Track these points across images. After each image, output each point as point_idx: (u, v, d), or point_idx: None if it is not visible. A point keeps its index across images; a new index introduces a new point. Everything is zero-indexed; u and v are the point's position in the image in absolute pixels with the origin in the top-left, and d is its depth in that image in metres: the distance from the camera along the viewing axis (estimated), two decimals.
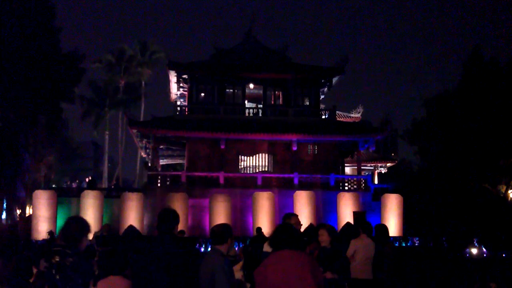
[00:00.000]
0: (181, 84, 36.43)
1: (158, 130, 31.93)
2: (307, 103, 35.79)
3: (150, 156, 36.06)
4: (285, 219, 8.46)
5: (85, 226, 5.60)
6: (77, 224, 5.56)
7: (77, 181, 59.66)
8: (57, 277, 5.11)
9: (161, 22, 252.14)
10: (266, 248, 8.09)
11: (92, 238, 17.33)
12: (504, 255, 19.75)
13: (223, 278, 5.62)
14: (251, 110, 35.27)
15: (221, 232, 6.05)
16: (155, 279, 5.82)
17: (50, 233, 20.81)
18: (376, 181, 44.30)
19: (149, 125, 32.47)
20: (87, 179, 62.56)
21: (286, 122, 33.56)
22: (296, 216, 8.70)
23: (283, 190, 29.98)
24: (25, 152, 36.96)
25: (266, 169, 33.91)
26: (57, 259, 5.19)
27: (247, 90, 35.63)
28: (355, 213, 26.72)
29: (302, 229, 9.76)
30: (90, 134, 65.93)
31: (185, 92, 37.07)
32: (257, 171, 33.31)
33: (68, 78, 38.40)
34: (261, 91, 35.70)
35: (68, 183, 56.98)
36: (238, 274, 8.02)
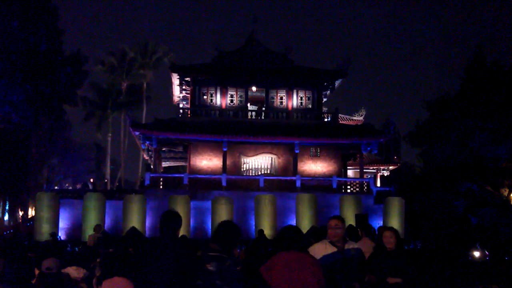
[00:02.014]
0: (183, 87, 36.49)
1: (160, 132, 31.97)
2: (310, 106, 35.81)
3: (152, 158, 36.10)
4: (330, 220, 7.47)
5: (239, 230, 5.48)
6: (231, 229, 5.45)
7: (82, 183, 59.72)
8: (218, 282, 4.96)
9: (164, 25, 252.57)
10: None
11: (92, 239, 17.37)
12: (506, 257, 19.71)
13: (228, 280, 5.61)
14: (253, 113, 35.31)
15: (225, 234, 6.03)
16: (157, 281, 5.82)
17: (53, 234, 20.83)
18: (378, 184, 44.31)
19: (151, 127, 32.51)
20: (91, 180, 62.68)
21: (289, 125, 33.59)
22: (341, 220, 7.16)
23: (285, 193, 29.97)
24: (28, 154, 37.04)
25: (268, 172, 33.95)
26: (215, 265, 5.01)
27: (249, 93, 35.68)
28: (357, 216, 26.68)
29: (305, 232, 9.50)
30: (92, 136, 66.03)
31: (187, 95, 37.12)
32: (260, 173, 33.32)
33: (70, 80, 38.48)
34: (263, 94, 35.76)
35: (67, 185, 57.00)
36: None
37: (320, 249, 6.39)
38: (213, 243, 5.32)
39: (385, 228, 8.31)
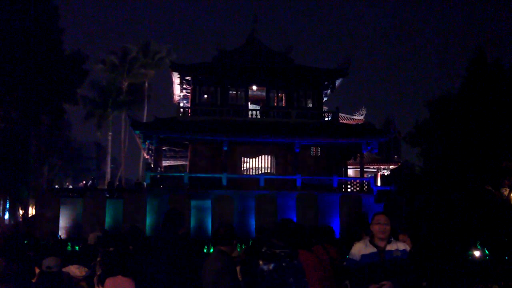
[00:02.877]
0: (184, 86, 36.45)
1: (160, 131, 31.93)
2: (310, 105, 35.77)
3: (152, 157, 36.08)
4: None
5: (302, 228, 5.52)
6: (295, 225, 5.49)
7: (84, 182, 59.87)
8: (291, 280, 4.82)
9: (164, 24, 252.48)
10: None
11: (93, 238, 17.39)
12: (506, 257, 19.70)
13: (229, 280, 5.61)
14: (253, 112, 35.26)
15: (226, 233, 6.01)
16: (159, 280, 5.82)
17: (54, 233, 20.86)
18: (379, 183, 44.30)
19: (151, 126, 32.48)
20: (92, 178, 62.86)
21: (289, 124, 33.55)
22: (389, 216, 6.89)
23: (286, 192, 29.97)
24: (28, 153, 37.04)
25: (268, 171, 33.92)
26: (286, 262, 4.90)
27: (250, 92, 35.64)
28: (357, 215, 26.71)
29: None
30: (93, 135, 66.09)
31: (188, 94, 37.09)
32: (260, 172, 33.30)
33: (71, 79, 38.49)
34: (264, 93, 35.72)
35: (68, 183, 57.06)
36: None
37: (359, 248, 6.12)
38: (276, 239, 5.24)
39: (400, 230, 7.86)
